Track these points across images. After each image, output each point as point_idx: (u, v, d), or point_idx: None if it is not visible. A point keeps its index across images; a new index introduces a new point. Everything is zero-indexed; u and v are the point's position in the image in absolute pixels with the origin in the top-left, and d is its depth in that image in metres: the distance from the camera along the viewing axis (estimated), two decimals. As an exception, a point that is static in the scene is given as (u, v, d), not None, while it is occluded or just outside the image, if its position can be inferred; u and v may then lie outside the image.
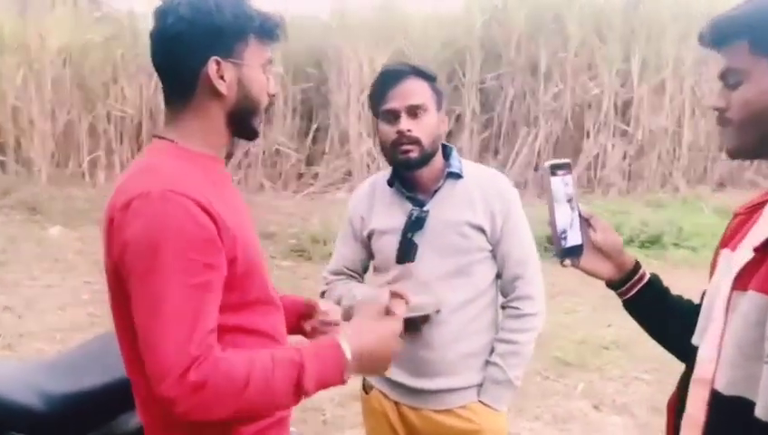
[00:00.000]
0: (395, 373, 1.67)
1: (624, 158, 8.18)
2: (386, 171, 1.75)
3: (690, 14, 8.16)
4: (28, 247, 5.64)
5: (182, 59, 1.13)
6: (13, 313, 4.16)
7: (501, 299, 1.73)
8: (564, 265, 1.09)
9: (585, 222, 1.11)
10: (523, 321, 1.68)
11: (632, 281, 1.14)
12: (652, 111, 8.16)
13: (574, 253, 1.10)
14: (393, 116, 1.60)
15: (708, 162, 8.43)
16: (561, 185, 1.07)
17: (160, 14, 1.13)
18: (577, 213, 1.10)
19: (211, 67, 1.12)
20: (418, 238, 1.64)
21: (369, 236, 1.73)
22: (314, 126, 8.67)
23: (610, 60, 8.05)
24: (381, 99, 1.62)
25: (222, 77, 1.13)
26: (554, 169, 1.07)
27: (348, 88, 8.31)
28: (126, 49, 8.34)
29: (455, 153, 1.71)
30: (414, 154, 1.59)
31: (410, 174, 1.65)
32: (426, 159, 1.61)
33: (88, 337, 1.77)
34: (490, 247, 1.67)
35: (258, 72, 1.17)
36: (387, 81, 1.62)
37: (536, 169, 7.97)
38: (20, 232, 6.09)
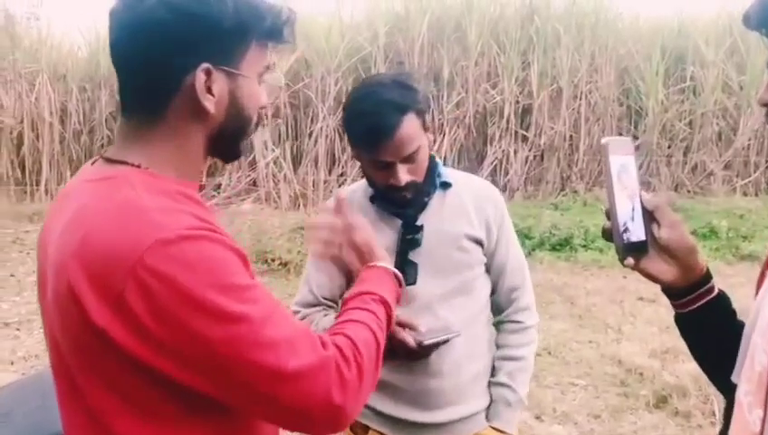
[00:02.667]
0: (396, 409, 1.48)
1: (526, 163, 8.42)
2: (359, 185, 1.55)
3: (580, 25, 8.58)
4: None
5: (160, 59, 0.84)
6: None
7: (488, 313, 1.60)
8: (626, 265, 0.89)
9: (648, 214, 0.90)
10: (525, 334, 1.57)
11: (699, 292, 0.92)
12: (550, 118, 8.46)
13: (637, 250, 0.89)
14: (386, 165, 1.40)
15: (602, 166, 8.83)
16: (622, 167, 0.88)
17: None
18: (639, 203, 0.89)
19: (199, 76, 0.84)
20: (415, 257, 1.47)
21: None
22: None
23: (510, 68, 8.27)
24: (369, 149, 1.39)
25: (210, 90, 0.86)
26: (614, 148, 0.88)
27: (250, 96, 8.01)
28: (2, 54, 7.62)
29: (438, 161, 1.54)
30: (411, 195, 1.44)
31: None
32: (423, 190, 1.46)
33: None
34: (485, 259, 1.54)
35: (254, 83, 0.91)
36: (377, 135, 1.36)
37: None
38: None
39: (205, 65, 0.85)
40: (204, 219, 0.84)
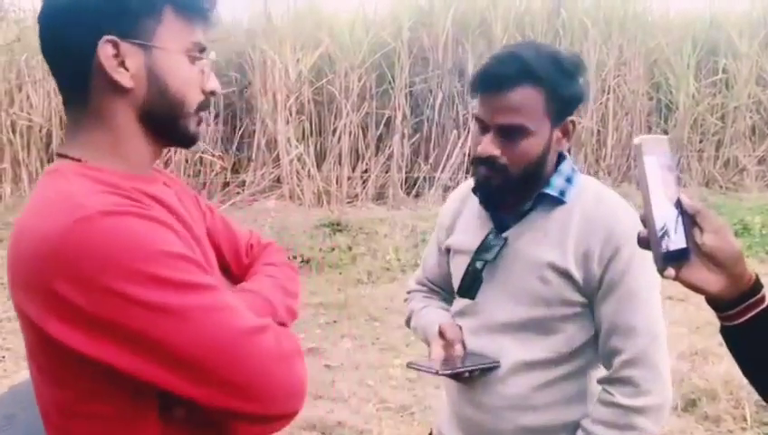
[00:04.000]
0: (449, 428, 1.39)
1: (553, 159, 8.29)
2: None
3: (608, 18, 8.41)
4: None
5: (68, 41, 0.85)
6: None
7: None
8: (665, 276, 0.81)
9: (690, 219, 0.82)
10: (616, 413, 1.22)
11: (748, 303, 0.84)
12: (577, 112, 8.30)
13: (677, 259, 0.81)
14: (482, 126, 1.24)
15: (631, 161, 8.67)
16: (659, 168, 0.80)
17: None
18: (679, 207, 0.81)
19: (104, 49, 0.83)
20: (489, 271, 1.29)
21: (448, 252, 1.42)
22: (239, 132, 8.33)
23: (536, 63, 8.14)
24: (474, 94, 1.25)
25: (123, 64, 0.85)
26: (649, 147, 0.79)
27: (273, 92, 8.02)
28: (32, 53, 7.73)
29: (564, 166, 1.28)
30: (494, 181, 1.24)
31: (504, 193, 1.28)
32: (512, 187, 1.24)
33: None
34: (584, 301, 1.25)
35: (179, 58, 0.88)
36: (485, 83, 1.22)
37: (468, 172, 7.95)
38: None
39: (107, 37, 0.84)
40: (135, 199, 0.84)
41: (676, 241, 0.81)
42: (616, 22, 8.40)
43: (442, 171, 8.14)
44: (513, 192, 1.27)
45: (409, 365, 1.34)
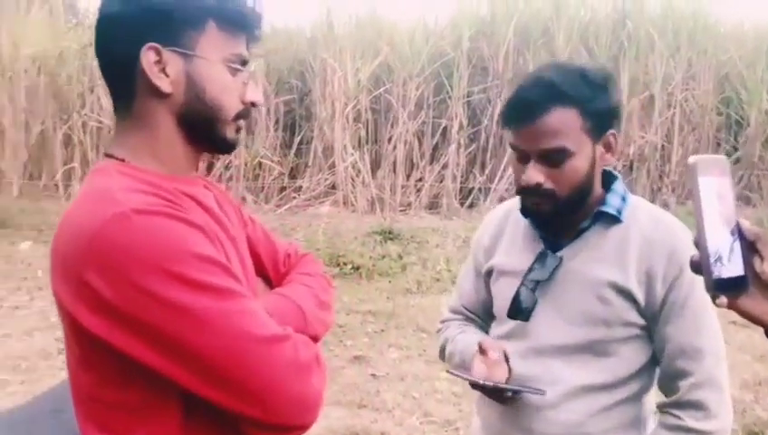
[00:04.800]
0: None
1: (613, 173, 8.07)
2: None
3: (677, 29, 8.14)
4: (-5, 264, 5.34)
5: (116, 48, 0.89)
6: (-26, 338, 3.88)
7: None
8: (717, 305, 0.77)
9: (749, 245, 0.77)
10: None
11: None
12: (641, 127, 8.07)
13: (732, 287, 0.76)
14: (522, 155, 1.20)
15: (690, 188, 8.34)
16: (714, 191, 0.75)
17: None
18: (737, 232, 0.77)
19: (147, 56, 0.87)
20: (541, 292, 1.25)
21: (489, 274, 1.37)
22: (298, 138, 8.46)
23: (599, 74, 7.95)
24: (508, 128, 1.22)
25: (164, 70, 0.89)
26: (704, 167, 0.75)
27: (332, 100, 8.11)
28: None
29: (618, 185, 1.25)
30: (544, 208, 1.21)
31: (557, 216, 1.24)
32: (563, 210, 1.21)
33: (56, 364, 1.55)
34: (643, 323, 1.22)
35: (219, 68, 0.91)
36: (518, 113, 1.19)
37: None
38: (-13, 248, 5.78)
39: (150, 45, 0.88)
40: (171, 201, 0.86)
41: (733, 268, 0.76)
42: (685, 33, 8.13)
43: (498, 182, 8.04)
44: (564, 214, 1.23)
45: (450, 372, 1.30)
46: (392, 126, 8.16)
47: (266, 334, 0.84)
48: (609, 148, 1.23)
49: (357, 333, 4.15)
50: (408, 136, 8.14)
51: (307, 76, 8.55)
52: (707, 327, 1.21)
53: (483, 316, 1.44)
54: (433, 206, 8.01)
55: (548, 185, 1.18)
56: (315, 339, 1.00)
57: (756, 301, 0.77)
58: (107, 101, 8.06)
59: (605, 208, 1.23)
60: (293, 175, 8.39)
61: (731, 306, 0.78)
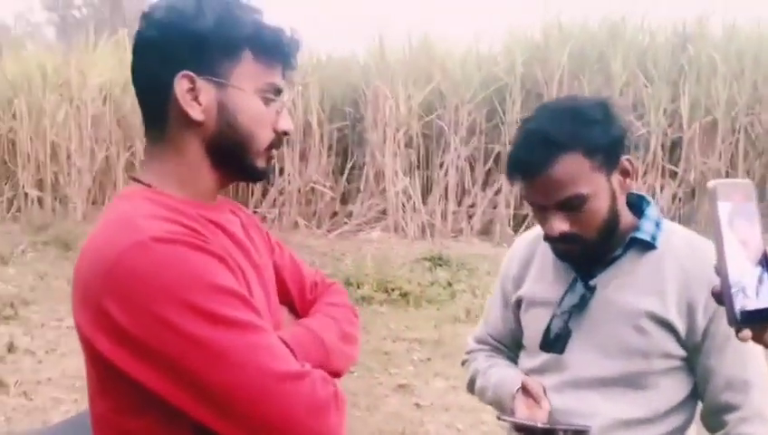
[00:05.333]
0: None
1: (673, 200, 7.80)
2: None
3: (740, 52, 7.87)
4: (58, 285, 5.52)
5: (152, 74, 0.90)
6: (33, 357, 4.00)
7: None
8: (741, 338, 0.72)
9: None
10: None
11: None
12: (702, 153, 7.79)
13: (759, 319, 0.71)
14: (540, 208, 1.18)
15: (763, 206, 8.00)
16: (738, 217, 0.71)
17: (140, 21, 0.91)
18: (763, 260, 0.72)
19: (180, 84, 0.88)
20: (575, 323, 1.21)
21: (518, 304, 1.33)
22: (350, 164, 8.54)
23: (658, 99, 7.74)
24: (518, 187, 1.20)
25: (197, 98, 0.89)
26: (725, 192, 0.71)
27: (384, 126, 8.16)
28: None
29: (651, 211, 1.22)
30: (575, 252, 1.19)
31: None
32: (595, 249, 1.19)
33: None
34: (684, 354, 1.17)
35: (251, 97, 0.91)
36: (522, 173, 1.17)
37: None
38: (51, 269, 6.00)
39: (184, 72, 0.88)
40: (193, 229, 0.85)
41: (762, 300, 0.71)
42: (749, 56, 7.84)
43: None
44: (597, 251, 1.20)
45: (500, 418, 1.26)
46: (444, 152, 8.14)
47: (284, 371, 0.82)
48: (626, 174, 1.20)
49: (402, 361, 4.10)
50: (459, 162, 8.10)
51: (360, 103, 8.66)
52: (753, 359, 1.16)
53: (510, 346, 1.40)
54: (485, 232, 7.91)
55: (573, 230, 1.16)
56: (337, 374, 0.98)
57: None
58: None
59: (638, 235, 1.20)
60: (345, 200, 8.46)
61: (757, 340, 0.72)
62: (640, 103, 8.00)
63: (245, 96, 0.91)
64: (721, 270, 0.71)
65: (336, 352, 0.99)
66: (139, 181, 0.93)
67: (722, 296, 0.71)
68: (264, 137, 0.93)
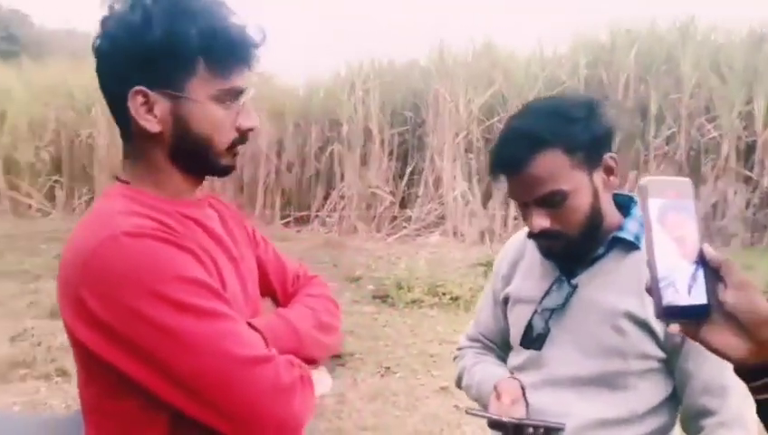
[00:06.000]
0: None
1: (747, 206, 7.42)
2: None
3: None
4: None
5: (108, 88, 0.92)
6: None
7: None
8: (670, 331, 0.73)
9: (713, 273, 0.72)
10: None
11: None
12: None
13: (688, 315, 0.72)
14: (522, 204, 1.19)
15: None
16: (671, 213, 0.72)
17: (98, 29, 0.92)
18: (699, 258, 0.72)
19: (133, 99, 0.89)
20: (556, 320, 1.21)
21: (506, 302, 1.34)
22: (410, 168, 8.58)
23: (731, 101, 7.40)
24: (496, 179, 1.20)
25: (151, 111, 0.90)
26: (657, 189, 0.71)
27: (444, 130, 8.17)
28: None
29: (637, 210, 1.21)
30: (557, 248, 1.19)
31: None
32: (577, 245, 1.18)
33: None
34: (662, 356, 1.15)
35: (207, 105, 0.91)
36: (502, 170, 1.18)
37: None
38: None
39: (136, 88, 0.89)
40: (165, 223, 0.89)
41: (695, 297, 0.71)
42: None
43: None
44: (580, 248, 1.20)
45: (468, 412, 1.27)
46: (504, 156, 8.05)
47: (248, 355, 0.85)
48: (610, 171, 1.18)
49: (446, 364, 4.09)
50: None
51: (420, 107, 8.69)
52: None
53: (501, 345, 1.40)
54: (545, 238, 7.77)
55: (555, 227, 1.15)
56: (311, 361, 1.01)
57: (719, 333, 0.71)
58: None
59: (621, 234, 1.19)
60: (404, 205, 8.51)
61: (692, 337, 0.73)
62: (712, 106, 7.68)
63: (200, 105, 0.91)
64: (650, 264, 0.71)
65: (309, 340, 1.03)
66: (119, 180, 0.97)
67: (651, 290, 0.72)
68: (223, 140, 0.94)
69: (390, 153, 8.73)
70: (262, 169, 8.74)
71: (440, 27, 14.73)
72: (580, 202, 1.15)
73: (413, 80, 8.93)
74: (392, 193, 8.50)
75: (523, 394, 1.20)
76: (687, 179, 0.74)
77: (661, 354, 1.15)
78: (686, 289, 0.71)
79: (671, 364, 1.16)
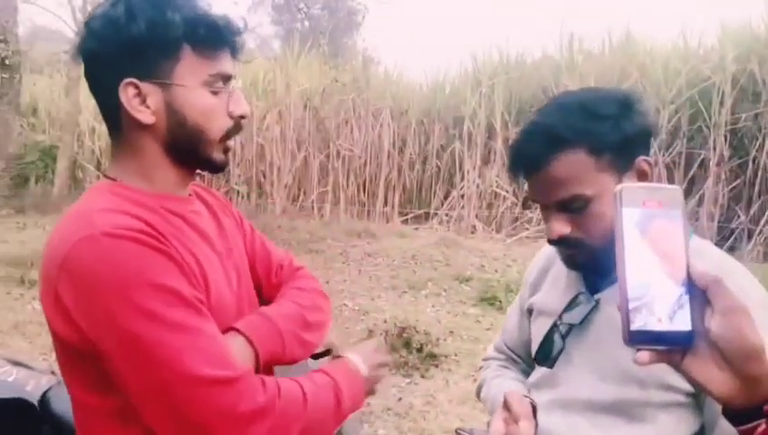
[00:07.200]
0: None
1: None
2: None
3: None
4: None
5: (99, 84, 0.93)
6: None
7: None
8: (637, 362, 0.61)
9: (702, 295, 0.60)
10: None
11: (761, 420, 0.60)
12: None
13: (669, 343, 0.60)
14: (542, 207, 1.09)
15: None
16: (654, 224, 0.61)
17: (82, 32, 0.94)
18: (686, 279, 0.60)
19: (125, 92, 0.90)
20: (575, 338, 1.10)
21: (530, 312, 1.25)
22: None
23: None
24: (515, 178, 1.11)
25: (144, 102, 0.91)
26: (633, 197, 0.61)
27: (573, 129, 7.79)
28: (358, 93, 8.89)
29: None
30: (580, 258, 1.08)
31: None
32: (600, 256, 1.05)
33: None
34: (689, 389, 1.01)
35: (198, 92, 0.92)
36: (520, 169, 1.08)
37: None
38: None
39: (127, 80, 0.90)
40: (148, 222, 0.87)
41: (678, 322, 0.60)
42: None
43: (765, 224, 6.90)
44: (603, 259, 1.04)
45: (458, 432, 1.19)
46: (637, 157, 7.54)
47: (207, 375, 0.82)
48: (643, 176, 1.03)
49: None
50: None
51: (547, 105, 8.36)
52: None
53: (525, 358, 1.29)
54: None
55: (576, 234, 1.05)
56: (293, 362, 1.00)
57: (702, 364, 0.60)
58: (358, 133, 8.86)
59: None
60: (527, 205, 8.22)
61: (675, 367, 0.61)
62: None
63: (190, 92, 0.92)
64: (619, 282, 0.61)
65: (292, 340, 1.00)
66: (106, 176, 0.97)
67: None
68: (217, 127, 0.95)
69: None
70: (384, 167, 8.84)
71: (571, 21, 14.07)
72: (606, 209, 1.02)
73: (542, 76, 8.60)
74: (514, 193, 8.25)
75: (534, 414, 1.07)
76: (677, 187, 0.63)
77: (688, 388, 0.99)
78: (669, 313, 0.60)
79: (701, 400, 1.00)
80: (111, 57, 0.90)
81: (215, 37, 0.93)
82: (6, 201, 8.53)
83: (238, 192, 8.99)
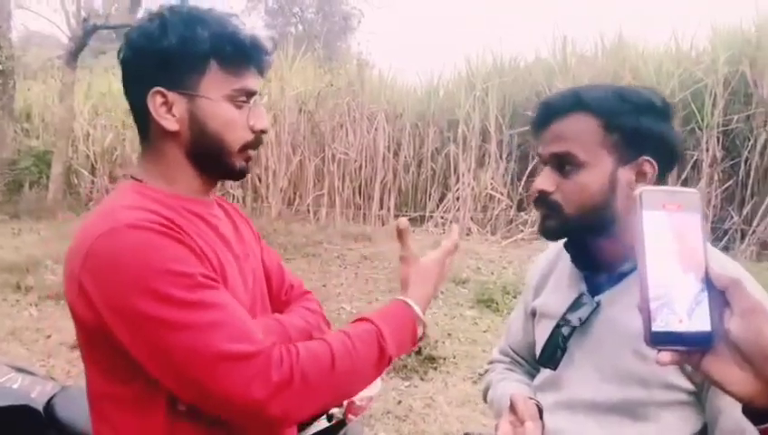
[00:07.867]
0: None
1: None
2: None
3: None
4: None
5: (131, 91, 1.01)
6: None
7: None
8: (659, 362, 0.62)
9: (721, 296, 0.62)
10: None
11: None
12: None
13: (690, 343, 0.62)
14: (541, 163, 1.13)
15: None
16: (669, 228, 0.63)
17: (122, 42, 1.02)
18: (705, 280, 0.63)
19: (153, 99, 0.97)
20: (577, 340, 1.12)
21: (533, 314, 1.27)
22: (528, 170, 8.32)
23: None
24: (534, 135, 1.14)
25: (170, 111, 0.98)
26: (653, 200, 0.63)
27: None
28: (352, 97, 8.91)
29: None
30: (550, 223, 1.09)
31: (580, 243, 1.12)
32: (573, 231, 1.09)
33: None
34: (691, 388, 1.02)
35: (222, 105, 0.99)
36: (538, 118, 1.12)
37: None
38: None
39: (155, 89, 0.97)
40: (168, 218, 0.93)
41: (697, 322, 0.62)
42: None
43: (759, 223, 6.96)
44: (574, 235, 1.11)
45: None
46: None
47: (232, 350, 0.87)
48: (642, 176, 1.05)
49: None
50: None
51: (541, 108, 8.40)
52: None
53: (530, 360, 1.31)
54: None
55: (555, 196, 1.08)
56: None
57: (723, 365, 0.62)
58: (353, 137, 8.87)
59: None
60: (522, 208, 8.26)
61: (695, 366, 0.63)
62: None
63: (214, 104, 0.98)
64: (641, 283, 0.63)
65: (294, 333, 1.06)
66: (132, 177, 1.04)
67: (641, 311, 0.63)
68: (236, 139, 1.00)
69: (509, 154, 8.51)
70: (379, 170, 8.86)
71: (563, 24, 14.18)
72: (591, 181, 1.05)
73: (535, 79, 8.64)
74: (509, 195, 8.28)
75: (540, 416, 1.09)
76: (695, 190, 0.65)
77: (689, 386, 1.02)
78: (688, 313, 0.62)
79: (702, 398, 1.02)
80: (143, 66, 0.98)
81: (240, 55, 0.99)
82: (0, 207, 8.51)
83: (233, 196, 8.99)
